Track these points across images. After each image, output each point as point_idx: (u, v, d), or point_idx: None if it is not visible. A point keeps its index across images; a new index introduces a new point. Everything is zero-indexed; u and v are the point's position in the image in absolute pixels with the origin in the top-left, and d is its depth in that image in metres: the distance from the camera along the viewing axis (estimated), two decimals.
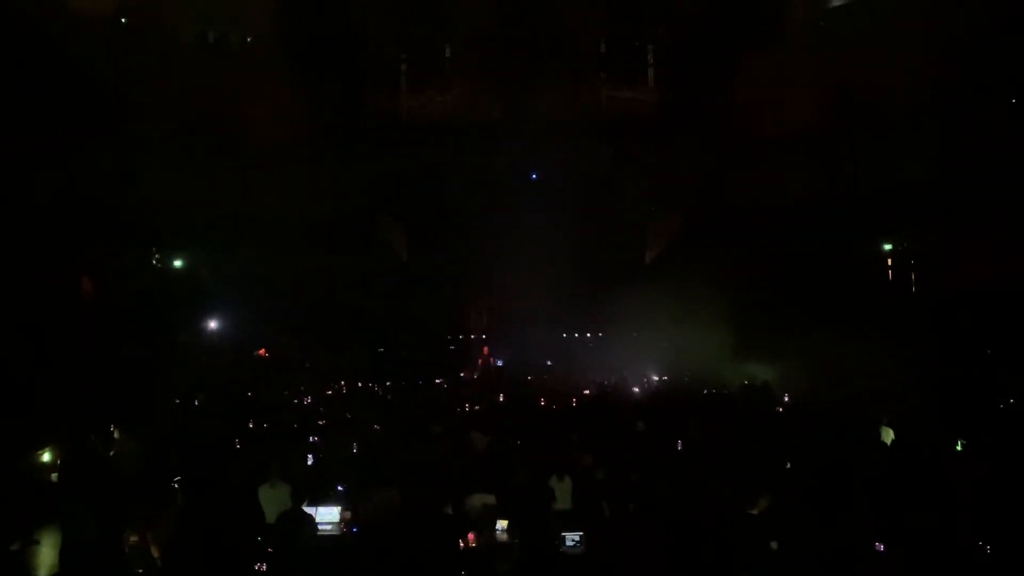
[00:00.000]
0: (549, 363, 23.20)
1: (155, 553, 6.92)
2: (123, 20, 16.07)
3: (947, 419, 11.23)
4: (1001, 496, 8.42)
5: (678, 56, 19.58)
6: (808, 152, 16.86)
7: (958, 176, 14.99)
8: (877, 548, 7.57)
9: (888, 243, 19.37)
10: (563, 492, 9.53)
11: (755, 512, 8.21)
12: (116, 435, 11.35)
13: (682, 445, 11.58)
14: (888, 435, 11.24)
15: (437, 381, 21.61)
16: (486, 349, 24.76)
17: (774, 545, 7.52)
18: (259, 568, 7.58)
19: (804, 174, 16.87)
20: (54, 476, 9.43)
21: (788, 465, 9.85)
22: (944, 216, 16.02)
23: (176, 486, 9.35)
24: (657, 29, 19.79)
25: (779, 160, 17.17)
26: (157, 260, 18.79)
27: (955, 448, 10.23)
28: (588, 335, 24.69)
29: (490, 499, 8.58)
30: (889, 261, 19.47)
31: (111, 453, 10.89)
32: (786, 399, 16.07)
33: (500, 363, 24.21)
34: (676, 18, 18.57)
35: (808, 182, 16.93)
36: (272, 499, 8.77)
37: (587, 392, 18.15)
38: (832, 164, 16.77)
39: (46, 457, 9.66)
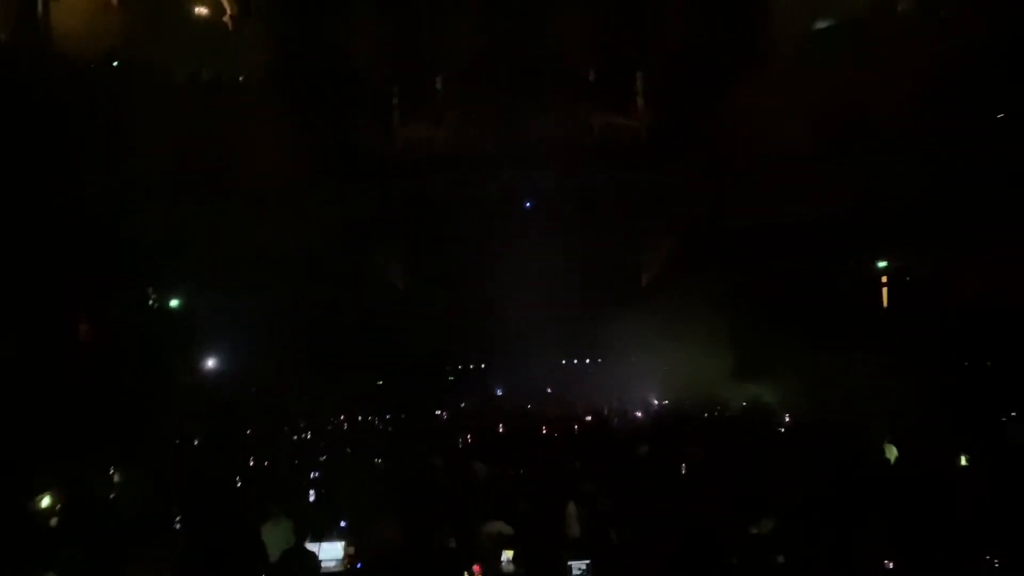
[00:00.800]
0: (548, 390, 23.15)
1: None
2: (115, 63, 16.17)
3: (950, 435, 11.22)
4: (1006, 510, 8.40)
5: (667, 81, 19.72)
6: (801, 172, 16.96)
7: (951, 192, 15.10)
8: (885, 565, 7.53)
9: (884, 261, 19.43)
10: (568, 520, 9.47)
11: (760, 533, 8.20)
12: (115, 478, 11.29)
13: (685, 469, 11.53)
14: (892, 452, 11.23)
15: (437, 412, 21.53)
16: (485, 379, 24.72)
17: (780, 560, 7.49)
18: None
19: (798, 194, 16.96)
20: (53, 521, 9.37)
21: (792, 485, 9.80)
22: (939, 232, 16.11)
23: (177, 527, 9.29)
24: (645, 55, 19.95)
25: (773, 181, 17.26)
26: (153, 299, 18.76)
27: (959, 464, 10.21)
28: (587, 361, 24.65)
29: (506, 528, 8.53)
30: (885, 279, 19.52)
31: (111, 496, 10.83)
32: (787, 419, 16.05)
33: (499, 392, 24.15)
34: (664, 44, 18.73)
35: (802, 202, 17.02)
36: (274, 537, 8.68)
37: (588, 418, 18.10)
38: (825, 184, 16.86)
39: (45, 502, 9.60)
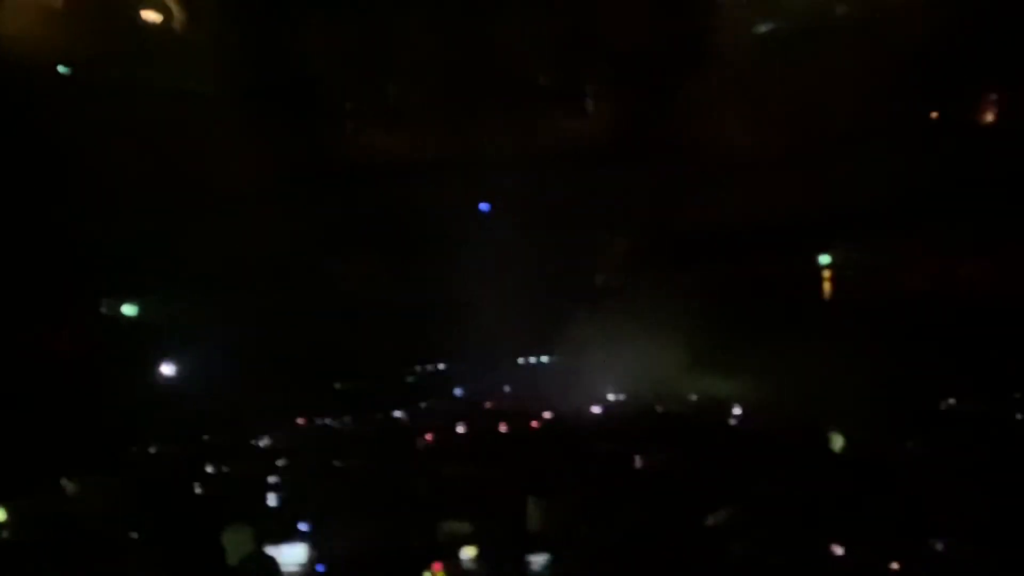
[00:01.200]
0: (508, 388, 23.21)
1: None
2: (67, 69, 15.82)
3: (895, 423, 11.57)
4: (949, 496, 8.71)
5: (622, 85, 19.89)
6: (750, 172, 17.27)
7: (891, 189, 15.53)
8: (835, 552, 7.77)
9: (827, 257, 19.89)
10: (529, 516, 9.58)
11: (716, 523, 8.41)
12: (70, 489, 11.14)
13: (642, 462, 11.71)
14: (838, 441, 11.52)
15: (396, 414, 21.48)
16: (445, 379, 24.66)
17: (736, 549, 7.69)
18: None
19: (747, 193, 17.28)
20: (5, 534, 9.25)
21: (745, 475, 10.03)
22: (879, 230, 16.59)
23: (136, 536, 9.21)
24: (600, 60, 20.08)
25: (725, 182, 17.54)
26: (107, 307, 18.46)
27: (903, 450, 10.53)
28: (545, 359, 24.75)
29: (464, 527, 8.60)
30: (830, 273, 19.99)
31: (66, 508, 10.69)
32: (738, 411, 16.36)
33: (459, 392, 24.14)
34: (618, 48, 18.89)
35: (751, 200, 17.34)
36: (234, 543, 8.66)
37: (547, 415, 18.20)
38: (774, 183, 17.20)
39: None
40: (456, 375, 24.40)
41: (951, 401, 12.88)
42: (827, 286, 19.80)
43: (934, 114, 16.24)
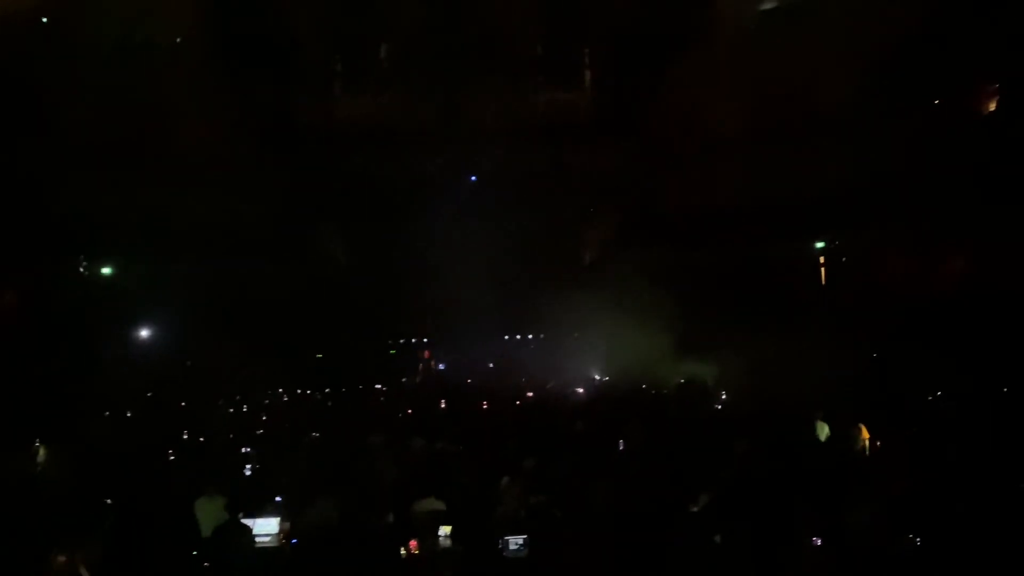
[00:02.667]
0: (491, 366, 23.18)
1: (84, 574, 6.68)
2: (44, 20, 15.42)
3: (877, 414, 11.53)
4: (929, 489, 8.66)
5: (614, 60, 19.69)
6: (741, 155, 17.17)
7: (882, 178, 15.45)
8: (814, 542, 7.70)
9: (818, 243, 19.89)
10: (506, 496, 9.49)
11: (696, 509, 8.32)
12: (41, 452, 11.00)
13: (623, 445, 11.65)
14: (823, 430, 11.48)
15: (377, 387, 21.40)
16: (427, 353, 24.65)
17: (717, 539, 7.61)
18: None
19: (737, 176, 17.18)
20: None
21: (727, 462, 9.97)
22: (870, 217, 16.51)
23: (107, 502, 9.07)
24: (593, 33, 19.85)
25: (713, 162, 17.44)
26: (84, 268, 18.20)
27: (884, 442, 10.49)
28: (529, 337, 24.73)
29: (439, 504, 8.50)
30: (820, 260, 19.98)
31: (37, 471, 10.56)
32: (723, 396, 16.34)
33: (441, 367, 24.10)
34: (612, 22, 18.68)
35: (741, 184, 17.25)
36: (208, 512, 8.55)
37: (529, 395, 18.17)
38: (764, 167, 17.12)
39: None
40: (440, 351, 24.40)
41: (938, 393, 12.86)
42: (819, 273, 19.81)
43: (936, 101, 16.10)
